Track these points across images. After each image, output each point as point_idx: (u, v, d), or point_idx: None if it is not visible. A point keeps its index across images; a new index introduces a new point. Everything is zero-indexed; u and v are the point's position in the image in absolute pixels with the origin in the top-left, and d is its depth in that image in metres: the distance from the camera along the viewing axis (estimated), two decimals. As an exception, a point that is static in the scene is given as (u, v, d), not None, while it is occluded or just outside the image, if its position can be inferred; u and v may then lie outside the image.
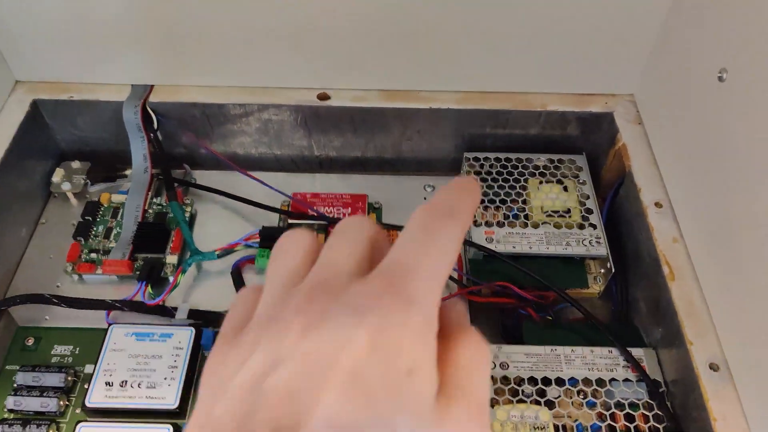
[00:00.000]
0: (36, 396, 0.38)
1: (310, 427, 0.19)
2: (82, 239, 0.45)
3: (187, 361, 0.39)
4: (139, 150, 0.47)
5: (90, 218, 0.46)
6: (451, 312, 0.22)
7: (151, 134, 0.47)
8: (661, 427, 0.35)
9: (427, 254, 0.21)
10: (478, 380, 0.21)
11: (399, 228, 0.44)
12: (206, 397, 0.21)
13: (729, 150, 0.35)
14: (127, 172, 0.49)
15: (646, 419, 0.36)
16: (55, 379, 0.39)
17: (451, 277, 0.44)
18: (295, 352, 0.19)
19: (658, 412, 0.36)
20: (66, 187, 0.48)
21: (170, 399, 0.38)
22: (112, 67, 0.47)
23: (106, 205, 0.47)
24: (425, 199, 0.49)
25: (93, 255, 0.45)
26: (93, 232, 0.46)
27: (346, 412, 0.19)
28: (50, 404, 0.38)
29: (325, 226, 0.45)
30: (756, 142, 0.32)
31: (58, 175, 0.48)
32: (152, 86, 0.47)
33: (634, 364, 0.37)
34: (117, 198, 0.47)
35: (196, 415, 0.21)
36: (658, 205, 0.41)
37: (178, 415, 0.38)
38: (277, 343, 0.20)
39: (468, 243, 0.43)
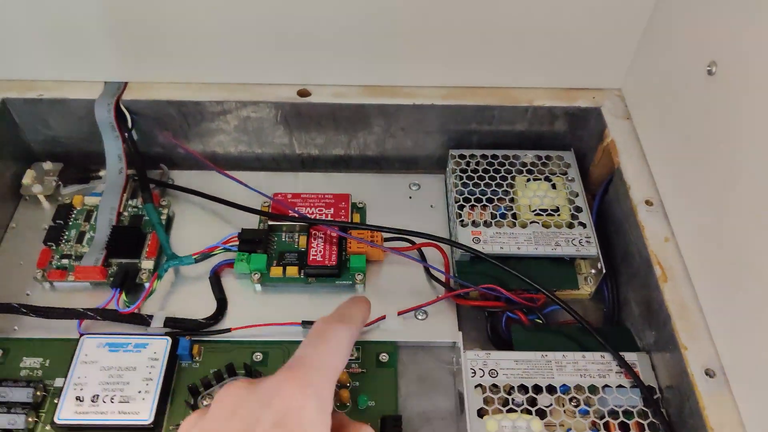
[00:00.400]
0: (3, 413, 0.36)
1: None
2: (54, 244, 0.43)
3: (162, 373, 0.37)
4: (113, 150, 0.45)
5: (62, 222, 0.44)
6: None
7: (126, 133, 0.46)
8: (655, 435, 0.34)
9: (320, 351, 0.28)
10: None
11: (384, 229, 0.42)
12: None
13: (720, 145, 0.33)
14: (101, 173, 0.47)
15: (641, 427, 0.34)
16: (22, 394, 0.37)
17: (438, 281, 0.42)
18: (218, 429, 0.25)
19: (653, 420, 0.35)
20: (37, 189, 0.46)
21: (144, 414, 0.36)
22: (84, 64, 0.45)
23: (78, 208, 0.45)
24: (410, 198, 0.48)
25: (65, 261, 0.43)
26: (65, 237, 0.44)
27: None
28: (17, 421, 0.36)
29: (307, 227, 0.44)
30: (748, 136, 0.31)
31: (28, 177, 0.47)
32: (126, 83, 0.46)
33: (628, 369, 0.36)
34: (90, 200, 0.46)
35: None
36: (648, 203, 0.39)
37: (152, 431, 0.36)
38: (209, 424, 0.26)
39: (454, 244, 0.42)
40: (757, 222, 0.30)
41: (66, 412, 0.36)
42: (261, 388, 0.26)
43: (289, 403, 0.25)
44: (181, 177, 0.49)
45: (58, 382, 0.38)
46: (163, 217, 0.45)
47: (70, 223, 0.45)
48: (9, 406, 0.36)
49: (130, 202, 0.46)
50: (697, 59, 0.35)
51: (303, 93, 0.45)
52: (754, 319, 0.31)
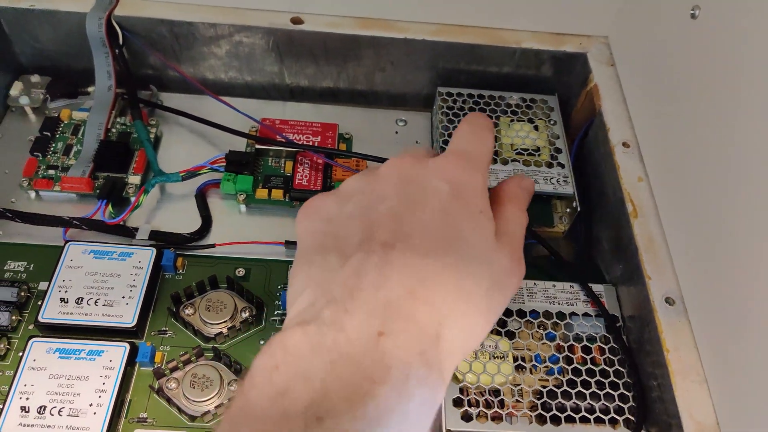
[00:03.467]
0: (-13, 309, 0.37)
1: (417, 238, 0.25)
2: (40, 155, 0.44)
3: (146, 281, 0.38)
4: (103, 66, 0.46)
5: (49, 134, 0.45)
6: (503, 188, 0.31)
7: (116, 50, 0.46)
8: (615, 359, 0.36)
9: (478, 145, 0.30)
10: (518, 231, 0.29)
11: (369, 157, 0.43)
12: (314, 224, 0.28)
13: (697, 89, 0.35)
14: (90, 89, 0.47)
15: (602, 352, 0.36)
16: (6, 293, 0.37)
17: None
18: (395, 193, 0.27)
19: (614, 345, 0.37)
20: (24, 101, 0.46)
21: (128, 317, 0.37)
22: (76, -23, 0.45)
23: (66, 122, 0.45)
24: (396, 133, 0.49)
25: (51, 171, 0.43)
26: (52, 149, 0.44)
27: (441, 228, 0.26)
28: (1, 318, 0.37)
29: (294, 153, 0.44)
30: (725, 81, 0.32)
31: (16, 89, 0.47)
32: (118, -1, 0.46)
33: (594, 299, 0.38)
34: (78, 115, 0.46)
35: (308, 239, 0.28)
36: (625, 145, 0.41)
37: (135, 333, 0.37)
38: (381, 187, 0.27)
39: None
40: (725, 164, 0.32)
41: (50, 311, 0.37)
42: (432, 164, 0.28)
43: (462, 178, 0.27)
44: (170, 99, 0.49)
45: (42, 285, 0.39)
46: (152, 136, 0.45)
47: (57, 136, 0.45)
48: (-7, 304, 0.37)
49: (118, 119, 0.46)
50: (681, 2, 0.36)
51: (296, 20, 0.46)
52: (715, 252, 0.32)
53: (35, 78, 0.47)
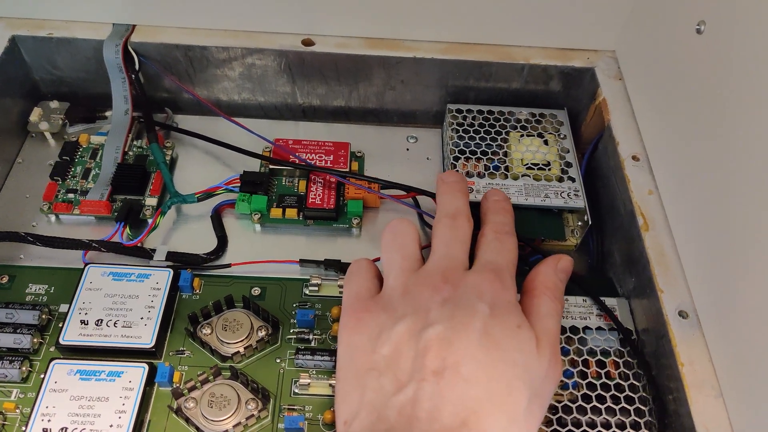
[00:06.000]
0: (9, 332, 0.37)
1: (465, 365, 0.27)
2: (60, 179, 0.45)
3: (164, 302, 0.39)
4: (120, 91, 0.47)
5: (68, 158, 0.46)
6: (539, 275, 0.34)
7: (133, 75, 0.47)
8: (630, 373, 0.36)
9: (505, 258, 0.34)
10: (554, 327, 0.32)
11: (379, 181, 0.44)
12: (363, 342, 0.30)
13: (705, 103, 0.35)
14: (107, 113, 0.48)
15: (617, 366, 0.36)
16: (29, 316, 0.38)
17: (431, 227, 0.44)
18: (441, 316, 0.29)
19: (629, 359, 0.37)
20: (44, 126, 0.47)
21: (146, 338, 0.38)
22: (93, 5, 0.46)
23: (84, 146, 0.46)
24: (407, 150, 0.49)
25: (70, 195, 0.44)
26: (71, 173, 0.45)
27: (485, 352, 0.28)
28: (23, 341, 0.37)
29: (307, 173, 0.45)
30: (731, 94, 0.33)
31: (35, 115, 0.48)
32: (134, 26, 0.47)
33: (608, 313, 0.38)
34: (96, 139, 0.47)
35: (359, 357, 0.30)
36: (635, 158, 0.41)
37: (153, 354, 0.38)
38: (425, 309, 0.30)
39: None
40: (735, 176, 0.32)
41: (70, 333, 0.37)
42: (471, 282, 0.31)
43: (497, 296, 0.31)
44: (184, 121, 0.50)
45: (63, 308, 0.40)
46: (168, 158, 0.46)
47: (76, 160, 0.46)
48: (15, 327, 0.38)
49: (135, 142, 0.47)
50: (687, 18, 0.36)
51: (307, 42, 0.46)
52: (727, 265, 0.33)
53: (54, 104, 0.48)
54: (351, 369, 0.30)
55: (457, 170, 0.44)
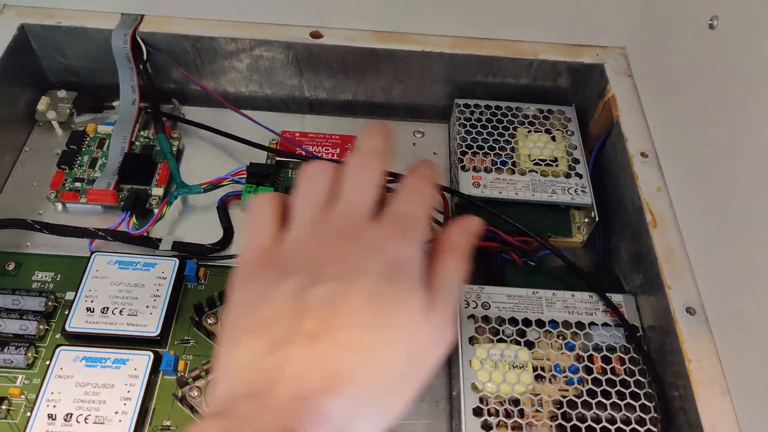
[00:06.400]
0: (15, 318, 0.38)
1: (343, 330, 0.26)
2: (67, 168, 0.45)
3: (169, 291, 0.39)
4: (128, 81, 0.47)
5: (75, 147, 0.46)
6: (448, 235, 0.31)
7: (141, 65, 0.47)
8: (636, 369, 0.36)
9: (419, 209, 0.30)
10: (452, 289, 0.29)
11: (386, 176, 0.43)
12: (248, 298, 0.28)
13: (715, 99, 0.35)
14: (115, 103, 0.48)
15: (622, 362, 0.36)
16: (35, 303, 0.38)
17: (437, 221, 0.44)
18: (331, 275, 0.27)
19: (634, 355, 0.36)
20: (51, 115, 0.47)
21: (152, 327, 0.38)
22: (102, -6, 0.46)
23: (92, 135, 0.46)
24: (414, 144, 0.49)
25: (77, 184, 0.44)
26: (78, 162, 0.45)
27: (369, 317, 0.26)
28: (29, 327, 0.38)
29: (313, 165, 0.45)
30: (743, 90, 0.32)
31: (43, 104, 0.48)
32: (143, 16, 0.47)
33: (613, 309, 0.38)
34: (103, 129, 0.47)
35: (240, 314, 0.28)
36: (643, 155, 0.41)
37: (159, 342, 0.38)
38: (315, 267, 0.27)
39: (452, 192, 0.43)
40: (744, 173, 0.32)
41: (76, 320, 0.38)
42: (374, 233, 0.28)
43: (399, 254, 0.28)
44: (191, 113, 0.50)
45: (69, 295, 0.40)
46: (174, 148, 0.46)
47: (83, 149, 0.46)
48: (21, 314, 0.38)
49: (141, 133, 0.47)
50: (700, 14, 0.36)
51: (315, 35, 0.46)
52: (735, 262, 0.32)
53: (62, 93, 0.48)
54: (232, 327, 0.28)
55: (464, 164, 0.44)
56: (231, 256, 0.42)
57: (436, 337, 0.28)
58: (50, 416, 0.34)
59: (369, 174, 0.31)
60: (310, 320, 0.26)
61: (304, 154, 0.45)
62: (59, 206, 0.44)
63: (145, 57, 0.47)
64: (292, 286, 0.27)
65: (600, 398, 0.35)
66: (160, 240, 0.42)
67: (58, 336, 0.38)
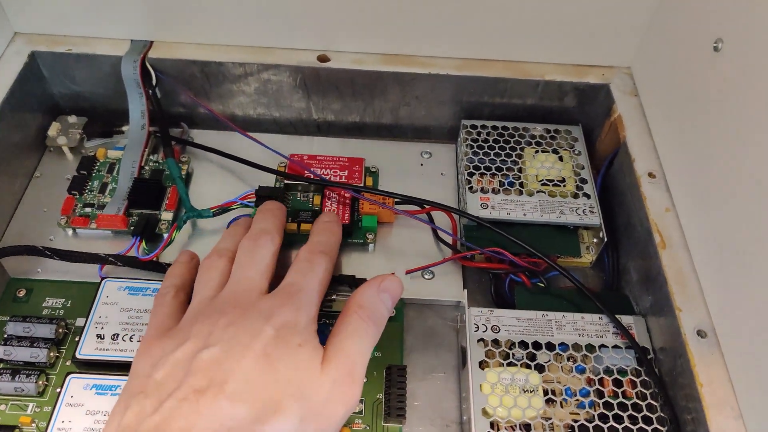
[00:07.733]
0: (26, 346, 0.38)
1: (232, 384, 0.27)
2: (77, 193, 0.45)
3: (179, 316, 0.39)
4: (137, 106, 0.47)
5: (85, 173, 0.46)
6: (356, 293, 0.33)
7: (150, 91, 0.47)
8: (648, 392, 0.36)
9: (308, 278, 0.33)
10: (353, 348, 0.30)
11: (394, 195, 0.44)
12: (144, 368, 0.30)
13: (722, 120, 0.35)
14: (124, 128, 0.48)
15: (634, 385, 0.36)
16: (45, 330, 0.38)
17: (445, 243, 0.44)
18: (221, 339, 0.29)
19: (646, 378, 0.36)
20: (62, 141, 0.48)
21: (162, 352, 0.38)
22: (112, 22, 0.46)
23: (102, 160, 0.47)
24: (422, 165, 0.50)
25: (87, 209, 0.44)
26: (88, 187, 0.45)
27: (259, 373, 0.28)
28: (40, 355, 0.38)
29: (321, 188, 0.45)
30: (749, 112, 0.32)
31: (54, 129, 0.48)
32: (151, 42, 0.47)
33: (623, 331, 0.38)
34: (113, 154, 0.47)
35: (135, 382, 0.30)
36: (651, 175, 0.41)
37: (169, 368, 0.38)
38: (207, 333, 0.30)
39: (460, 213, 0.43)
40: (753, 193, 0.32)
41: (87, 348, 0.38)
42: (264, 305, 0.31)
43: (288, 318, 0.30)
44: (200, 136, 0.50)
45: (79, 322, 0.40)
46: (183, 172, 0.47)
47: (94, 174, 0.46)
48: (32, 341, 0.38)
49: (151, 157, 0.47)
50: (704, 36, 0.36)
51: (323, 58, 0.47)
52: (746, 283, 0.32)
53: (72, 119, 0.49)
54: (124, 393, 0.30)
55: (472, 185, 0.44)
56: (240, 281, 0.42)
57: (335, 393, 0.29)
58: (61, 445, 0.34)
59: (258, 253, 0.35)
60: (198, 378, 0.27)
61: (312, 177, 0.45)
62: (70, 232, 0.44)
63: (154, 82, 0.47)
64: (184, 351, 0.29)
65: (612, 422, 0.34)
66: (169, 265, 0.42)
67: (68, 363, 0.38)
